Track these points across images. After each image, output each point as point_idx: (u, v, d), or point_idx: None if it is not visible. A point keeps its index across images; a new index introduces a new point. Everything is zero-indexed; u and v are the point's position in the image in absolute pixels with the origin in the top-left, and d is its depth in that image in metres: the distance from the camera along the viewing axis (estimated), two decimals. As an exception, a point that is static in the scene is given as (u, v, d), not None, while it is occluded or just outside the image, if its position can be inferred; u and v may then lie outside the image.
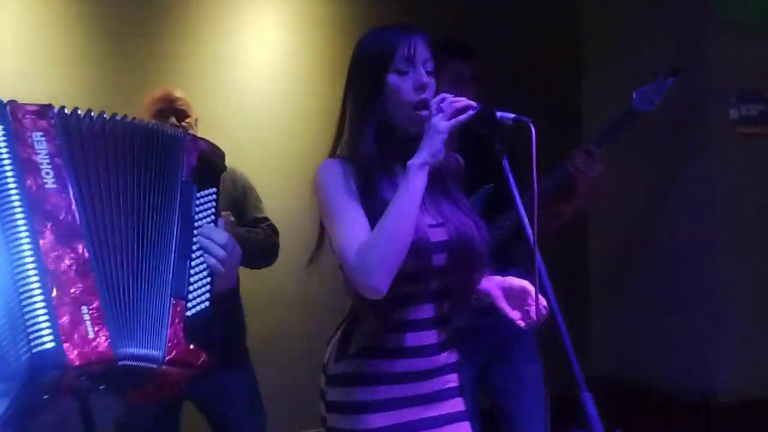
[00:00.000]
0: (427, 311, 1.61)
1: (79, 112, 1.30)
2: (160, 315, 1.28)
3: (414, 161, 1.51)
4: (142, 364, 1.24)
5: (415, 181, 1.50)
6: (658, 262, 3.19)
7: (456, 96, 1.54)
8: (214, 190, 1.42)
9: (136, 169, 1.33)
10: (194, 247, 1.35)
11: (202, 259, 1.35)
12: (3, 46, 3.17)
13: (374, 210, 1.54)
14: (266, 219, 2.60)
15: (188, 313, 1.31)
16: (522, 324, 1.62)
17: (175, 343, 1.28)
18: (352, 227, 1.54)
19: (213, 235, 1.36)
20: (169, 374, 1.28)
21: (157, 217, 1.34)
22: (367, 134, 1.58)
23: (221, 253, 1.36)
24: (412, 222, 1.50)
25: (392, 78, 1.59)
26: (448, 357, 1.65)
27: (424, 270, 1.56)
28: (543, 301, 1.51)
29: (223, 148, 1.49)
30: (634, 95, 2.45)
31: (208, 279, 1.35)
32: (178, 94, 2.60)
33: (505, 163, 1.49)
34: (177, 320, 1.29)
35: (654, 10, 3.20)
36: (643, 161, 3.15)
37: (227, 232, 1.41)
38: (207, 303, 1.34)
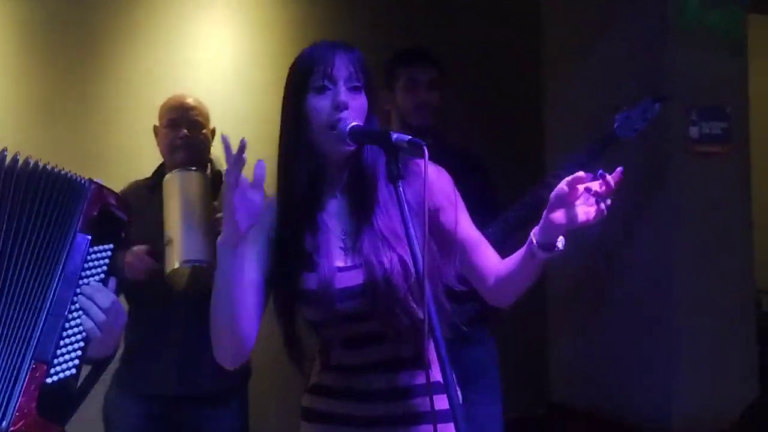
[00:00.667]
0: (355, 357, 1.54)
1: None
2: (13, 379, 1.19)
3: (219, 240, 1.39)
4: None
5: (221, 262, 1.39)
6: (619, 286, 3.08)
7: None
8: (111, 246, 1.35)
9: (15, 215, 1.25)
10: (73, 307, 1.26)
11: (79, 320, 1.25)
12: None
13: (293, 250, 1.49)
14: None
15: (49, 380, 1.22)
16: (592, 215, 1.38)
17: (24, 413, 1.18)
18: None
19: (96, 296, 1.28)
20: None
21: (32, 268, 1.25)
22: (297, 170, 1.51)
23: (101, 317, 1.28)
24: (228, 302, 1.40)
25: (310, 98, 1.50)
26: (405, 407, 1.53)
27: (331, 318, 1.49)
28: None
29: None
30: (615, 121, 2.36)
31: (81, 344, 1.26)
32: (191, 102, 2.46)
33: (400, 190, 1.34)
34: (33, 387, 1.20)
35: (613, 21, 3.13)
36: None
37: (113, 295, 1.31)
38: (73, 369, 1.25)
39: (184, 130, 2.40)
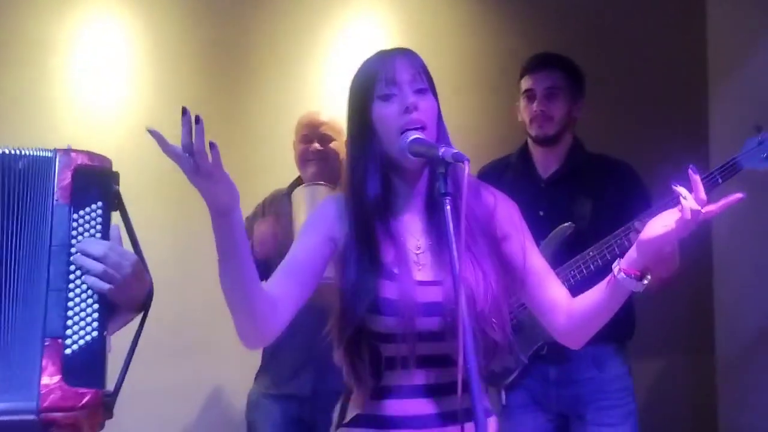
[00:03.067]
0: (417, 378, 1.46)
1: None
2: (30, 361, 1.21)
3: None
4: (14, 417, 1.19)
5: (215, 234, 1.32)
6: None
7: None
8: (100, 204, 1.32)
9: None
10: (71, 276, 1.26)
11: (83, 285, 1.24)
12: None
13: (367, 255, 1.45)
14: None
15: (68, 351, 1.22)
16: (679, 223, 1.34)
17: (50, 389, 1.20)
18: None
19: (87, 249, 1.26)
20: (59, 420, 1.20)
21: (17, 253, 1.25)
22: (369, 179, 1.47)
23: (98, 267, 1.25)
24: (228, 278, 1.34)
25: (376, 106, 1.46)
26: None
27: (406, 333, 1.41)
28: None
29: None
30: (744, 145, 2.00)
31: (95, 305, 1.24)
32: (322, 117, 2.60)
33: (448, 207, 1.30)
34: (52, 362, 1.21)
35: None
36: None
37: (107, 241, 1.28)
38: (95, 333, 1.25)
39: (316, 144, 2.52)
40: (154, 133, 1.20)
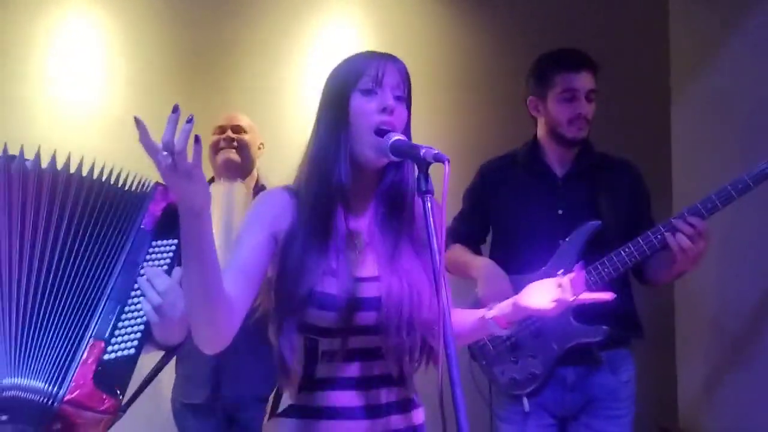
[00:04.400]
0: (351, 370, 1.50)
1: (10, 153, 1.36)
2: (72, 353, 1.28)
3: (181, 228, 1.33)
4: (35, 397, 1.25)
5: (183, 235, 1.30)
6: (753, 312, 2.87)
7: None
8: (175, 241, 1.43)
9: (84, 216, 1.38)
10: (132, 294, 1.36)
11: (140, 306, 1.34)
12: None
13: (316, 245, 1.47)
14: None
15: (106, 356, 1.30)
16: (553, 306, 1.53)
17: (80, 383, 1.27)
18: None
19: (154, 280, 1.34)
20: (72, 415, 1.27)
21: (96, 259, 1.36)
22: (341, 160, 1.48)
23: (157, 300, 1.33)
24: (195, 282, 1.30)
25: (355, 96, 1.49)
26: (385, 424, 1.50)
27: (343, 327, 1.45)
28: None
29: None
30: (758, 166, 2.04)
31: (141, 327, 1.34)
32: (239, 122, 2.66)
33: (430, 204, 1.33)
34: (90, 361, 1.29)
35: (740, 23, 2.94)
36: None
37: (171, 280, 1.36)
38: (132, 350, 1.34)
39: (229, 132, 2.63)
40: (138, 123, 1.17)
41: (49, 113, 3.26)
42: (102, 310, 1.33)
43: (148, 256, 1.40)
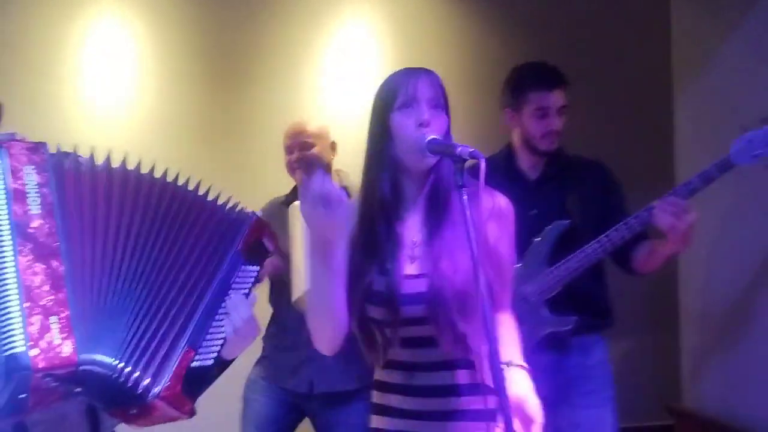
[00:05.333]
0: (403, 356, 1.67)
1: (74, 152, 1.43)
2: (170, 355, 1.42)
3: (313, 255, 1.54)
4: (126, 384, 1.36)
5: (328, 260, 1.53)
6: (759, 301, 2.99)
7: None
8: (257, 269, 1.58)
9: (192, 234, 1.50)
10: (221, 311, 1.50)
11: (223, 323, 1.50)
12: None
13: (365, 253, 1.64)
14: None
15: (193, 364, 1.45)
16: None
17: (173, 383, 1.41)
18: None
19: (240, 307, 1.51)
20: (156, 408, 1.40)
21: (198, 274, 1.49)
22: (381, 181, 1.65)
23: (239, 324, 1.50)
24: (329, 299, 1.57)
25: (395, 116, 1.64)
26: (446, 403, 1.66)
27: (393, 319, 1.62)
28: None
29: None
30: (733, 145, 2.24)
31: (221, 342, 1.50)
32: (304, 127, 2.69)
33: (465, 198, 1.47)
34: (182, 366, 1.43)
35: (741, 25, 3.05)
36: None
37: (252, 309, 1.54)
38: (211, 361, 1.49)
39: (296, 153, 2.65)
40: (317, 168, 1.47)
41: (82, 113, 3.41)
42: (197, 320, 1.46)
43: (236, 279, 1.53)
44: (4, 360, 1.25)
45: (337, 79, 3.74)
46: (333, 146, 2.75)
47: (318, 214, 1.47)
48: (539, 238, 2.42)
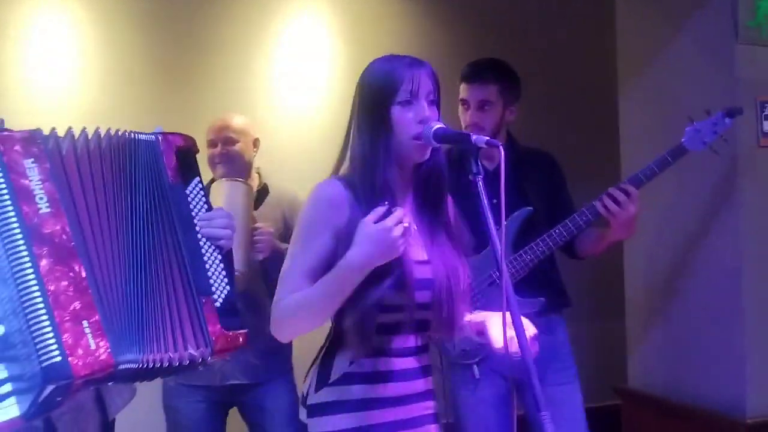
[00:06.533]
0: (408, 341, 1.71)
1: (62, 133, 1.37)
2: (197, 315, 1.44)
3: (355, 261, 1.54)
4: (197, 362, 1.43)
5: (344, 278, 1.56)
6: (695, 277, 3.15)
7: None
8: (198, 178, 1.53)
9: (124, 183, 1.41)
10: (201, 242, 1.48)
11: (211, 249, 1.48)
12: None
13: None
14: None
15: (218, 304, 1.47)
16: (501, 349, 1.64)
17: (216, 336, 1.45)
18: (293, 273, 1.62)
19: (213, 223, 1.50)
20: (217, 358, 1.47)
21: (156, 225, 1.43)
22: (384, 163, 1.65)
23: (226, 233, 1.50)
24: (325, 315, 1.63)
25: (395, 110, 1.66)
26: (426, 383, 1.75)
27: (406, 304, 1.64)
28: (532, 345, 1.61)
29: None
30: (685, 133, 2.46)
31: (223, 264, 1.49)
32: (227, 122, 2.70)
33: (480, 186, 1.52)
34: (211, 314, 1.45)
35: (684, 24, 3.19)
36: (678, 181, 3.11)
37: (223, 210, 1.53)
38: (228, 287, 1.49)
39: (219, 147, 2.66)
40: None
41: (25, 100, 3.34)
42: (192, 268, 1.45)
43: (190, 206, 1.49)
44: (39, 371, 1.22)
45: (288, 74, 3.76)
46: (256, 143, 2.76)
47: (397, 240, 1.51)
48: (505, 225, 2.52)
